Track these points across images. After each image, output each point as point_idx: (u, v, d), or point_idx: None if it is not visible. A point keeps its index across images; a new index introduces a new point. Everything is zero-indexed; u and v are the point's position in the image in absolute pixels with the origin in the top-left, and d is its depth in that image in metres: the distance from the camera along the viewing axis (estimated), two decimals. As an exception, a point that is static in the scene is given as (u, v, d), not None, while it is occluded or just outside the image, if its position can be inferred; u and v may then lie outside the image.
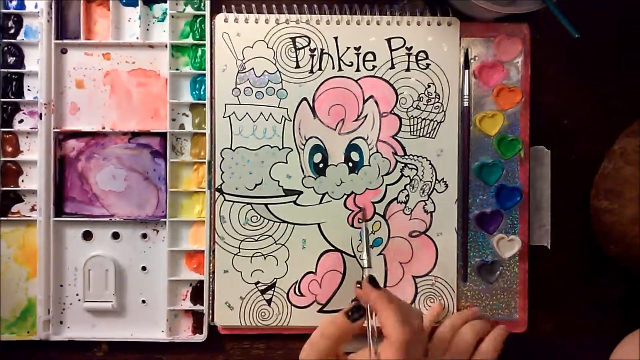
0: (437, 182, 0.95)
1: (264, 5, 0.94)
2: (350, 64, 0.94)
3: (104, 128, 0.96)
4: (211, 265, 0.95)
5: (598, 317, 0.91)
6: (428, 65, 0.94)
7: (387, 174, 0.95)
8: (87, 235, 0.97)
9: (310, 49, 0.94)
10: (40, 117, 0.94)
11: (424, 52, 0.94)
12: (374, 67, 0.94)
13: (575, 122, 0.99)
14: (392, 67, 0.94)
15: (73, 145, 0.96)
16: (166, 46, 0.95)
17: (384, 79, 0.94)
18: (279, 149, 0.94)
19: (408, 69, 0.94)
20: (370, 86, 0.94)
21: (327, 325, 0.76)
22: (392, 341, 0.72)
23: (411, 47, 0.94)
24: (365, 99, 0.94)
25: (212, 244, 0.95)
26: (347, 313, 0.76)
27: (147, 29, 0.97)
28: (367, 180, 0.95)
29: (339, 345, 0.76)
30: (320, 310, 0.95)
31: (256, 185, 0.94)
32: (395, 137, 0.94)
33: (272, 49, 0.94)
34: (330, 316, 0.77)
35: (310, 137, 0.94)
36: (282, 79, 0.94)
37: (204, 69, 0.95)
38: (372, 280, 0.79)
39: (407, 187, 0.95)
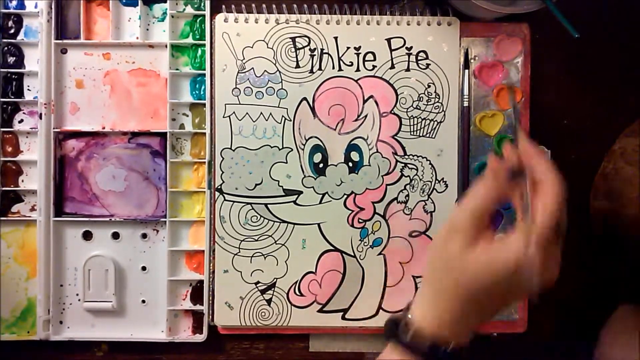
0: (437, 182, 0.95)
1: (264, 5, 0.94)
2: (350, 64, 0.94)
3: (104, 128, 0.96)
4: (211, 265, 0.95)
5: (598, 317, 0.91)
6: (428, 65, 0.94)
7: (387, 174, 0.95)
8: (87, 235, 0.97)
9: (310, 49, 0.94)
10: (40, 117, 0.94)
11: (424, 52, 0.94)
12: (374, 67, 0.94)
13: (575, 122, 0.99)
14: (392, 67, 0.94)
15: (73, 145, 0.96)
16: (166, 46, 0.95)
17: (384, 79, 0.94)
18: (279, 149, 0.94)
19: (408, 69, 0.94)
20: (370, 86, 0.94)
21: (487, 177, 0.69)
22: (551, 186, 0.66)
23: (411, 47, 0.94)
24: (365, 99, 0.94)
25: (212, 244, 0.95)
26: (509, 169, 0.69)
27: (147, 29, 0.97)
28: (367, 180, 0.95)
29: (492, 205, 0.69)
30: (320, 311, 0.95)
31: (256, 185, 0.94)
32: (395, 137, 0.94)
33: (272, 49, 0.94)
34: (489, 173, 0.70)
35: (310, 137, 0.94)
36: (282, 79, 0.94)
37: (204, 69, 0.95)
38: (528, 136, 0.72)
39: (407, 187, 0.95)
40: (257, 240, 0.95)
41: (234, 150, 0.94)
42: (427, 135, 0.94)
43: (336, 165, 0.94)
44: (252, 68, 0.94)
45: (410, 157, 0.94)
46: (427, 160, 0.94)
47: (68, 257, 0.97)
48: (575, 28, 0.88)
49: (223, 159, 0.94)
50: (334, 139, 0.94)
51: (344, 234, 0.95)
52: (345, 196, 0.95)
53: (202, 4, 0.96)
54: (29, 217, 0.96)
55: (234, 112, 0.94)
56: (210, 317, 0.95)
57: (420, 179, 0.95)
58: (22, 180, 0.96)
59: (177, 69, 0.96)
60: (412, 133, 0.94)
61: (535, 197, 0.66)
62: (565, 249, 0.82)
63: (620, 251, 0.94)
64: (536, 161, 0.68)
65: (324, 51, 0.94)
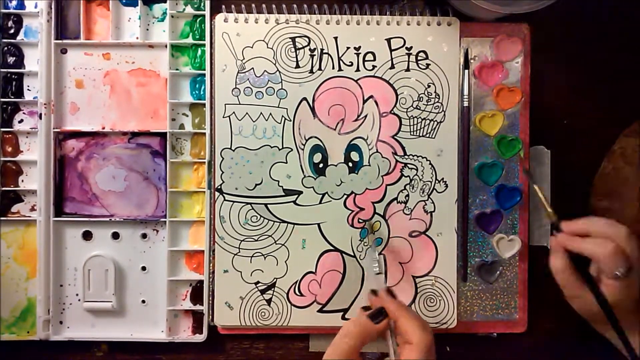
0: (437, 182, 0.95)
1: (263, 5, 0.94)
2: (350, 64, 0.94)
3: (103, 128, 0.96)
4: (211, 265, 0.95)
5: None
6: (428, 65, 0.94)
7: (387, 174, 0.95)
8: (87, 235, 0.97)
9: (310, 49, 0.94)
10: (40, 117, 0.94)
11: (424, 52, 0.94)
12: (374, 67, 0.94)
13: (575, 122, 0.99)
14: (392, 67, 0.94)
15: (73, 145, 0.96)
16: (166, 46, 0.96)
17: (383, 79, 0.94)
18: (279, 149, 0.94)
19: (408, 69, 0.94)
20: (370, 86, 0.94)
21: (351, 326, 0.78)
22: (416, 343, 0.74)
23: (411, 47, 0.94)
24: (365, 99, 0.94)
25: (212, 244, 0.95)
26: (371, 315, 0.78)
27: (147, 29, 0.97)
28: (367, 180, 0.95)
29: (361, 347, 0.77)
30: (320, 310, 0.95)
31: (256, 185, 0.94)
32: (395, 137, 0.94)
33: (272, 49, 0.94)
34: (353, 318, 0.80)
35: (310, 137, 0.94)
36: (282, 79, 0.94)
37: (204, 69, 0.95)
38: (389, 290, 0.82)
39: (407, 187, 0.95)
40: (257, 240, 0.95)
41: (233, 150, 0.94)
42: (427, 135, 0.94)
43: (336, 165, 0.94)
44: (252, 68, 0.94)
45: (410, 157, 0.94)
46: (427, 160, 0.94)
47: (68, 257, 0.97)
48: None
49: (223, 159, 0.94)
50: (334, 139, 0.94)
51: (343, 234, 0.95)
52: (345, 196, 0.95)
53: (202, 4, 0.96)
54: (29, 217, 0.96)
55: (233, 112, 0.94)
56: (210, 317, 0.95)
57: (420, 179, 0.95)
58: (22, 180, 0.96)
59: (177, 69, 0.96)
60: (412, 133, 0.94)
61: (406, 349, 0.76)
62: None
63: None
64: (403, 319, 0.77)
65: (324, 51, 0.94)
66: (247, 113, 0.94)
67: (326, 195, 0.95)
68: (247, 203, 0.94)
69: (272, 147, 0.94)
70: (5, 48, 0.96)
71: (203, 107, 0.95)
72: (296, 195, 0.94)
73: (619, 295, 0.76)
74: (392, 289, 0.82)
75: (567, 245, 0.79)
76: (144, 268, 0.97)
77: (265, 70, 0.94)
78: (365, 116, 0.94)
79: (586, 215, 0.94)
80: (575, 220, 0.80)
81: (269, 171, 0.94)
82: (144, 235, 0.97)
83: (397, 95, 0.94)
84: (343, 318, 0.95)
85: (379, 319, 0.78)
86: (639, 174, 0.93)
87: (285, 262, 0.95)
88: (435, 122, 0.94)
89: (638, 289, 0.77)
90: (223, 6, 0.95)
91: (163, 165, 0.96)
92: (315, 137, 0.94)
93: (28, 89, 0.96)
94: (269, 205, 0.94)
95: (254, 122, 0.94)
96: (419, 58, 0.94)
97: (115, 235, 0.97)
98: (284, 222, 0.95)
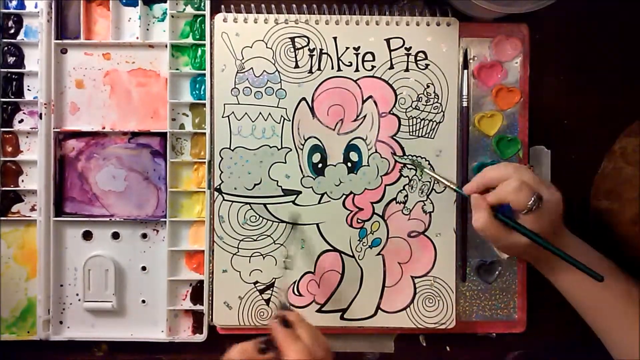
0: (436, 182, 0.94)
1: (263, 5, 0.94)
2: (349, 64, 0.94)
3: (104, 128, 0.96)
4: (211, 265, 0.95)
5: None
6: (427, 65, 0.94)
7: (386, 174, 0.95)
8: (87, 235, 0.97)
9: (309, 49, 0.94)
10: (40, 117, 0.94)
11: (423, 52, 0.94)
12: (373, 67, 0.94)
13: (575, 122, 0.99)
14: (391, 67, 0.94)
15: (73, 145, 0.96)
16: (166, 46, 0.96)
17: (383, 79, 0.94)
18: (278, 149, 0.94)
19: (407, 69, 0.95)
20: (369, 86, 0.94)
21: (237, 353, 0.78)
22: None
23: (410, 48, 0.94)
24: (364, 99, 0.94)
25: (212, 244, 0.95)
26: (257, 345, 0.78)
27: (147, 29, 0.97)
28: (366, 181, 0.95)
29: None
30: (318, 310, 0.95)
31: (255, 185, 0.94)
32: (394, 137, 0.94)
33: (271, 49, 0.94)
34: (243, 344, 0.79)
35: (309, 137, 0.94)
36: (281, 79, 0.94)
37: (204, 69, 0.95)
38: (283, 320, 0.80)
39: (406, 187, 0.95)
40: (256, 240, 0.95)
41: (233, 150, 0.94)
42: (426, 136, 0.94)
43: (335, 166, 0.94)
44: (251, 68, 0.94)
45: (410, 157, 0.94)
46: (426, 160, 0.94)
47: (68, 257, 0.97)
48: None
49: (222, 158, 0.94)
50: (333, 139, 0.94)
51: (342, 234, 0.95)
52: (344, 196, 0.95)
53: (202, 4, 0.96)
54: (29, 217, 0.96)
55: (232, 112, 0.94)
56: (210, 317, 0.96)
57: (419, 179, 0.95)
58: (22, 180, 0.97)
59: (177, 69, 0.96)
60: (411, 133, 0.94)
61: None
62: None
63: (620, 251, 0.93)
64: (283, 344, 0.76)
65: (323, 51, 0.94)
66: (246, 113, 0.94)
67: (325, 195, 0.95)
68: (246, 203, 0.94)
69: (271, 147, 0.94)
70: (5, 48, 0.96)
71: (203, 107, 0.95)
72: (295, 195, 0.95)
73: (539, 225, 0.80)
74: (288, 318, 0.81)
75: (481, 204, 0.83)
76: (144, 268, 0.97)
77: (264, 70, 0.94)
78: (365, 116, 0.94)
79: (587, 216, 0.95)
80: (471, 180, 0.86)
81: (268, 171, 0.94)
82: (144, 235, 0.97)
83: (396, 95, 0.94)
84: (342, 318, 0.95)
85: (264, 348, 0.78)
86: (639, 174, 0.92)
87: (284, 262, 0.95)
88: (435, 122, 0.94)
89: (555, 215, 0.81)
90: (223, 6, 0.95)
91: (163, 165, 0.96)
92: (315, 137, 0.94)
93: (28, 89, 0.96)
94: (267, 205, 0.94)
95: (253, 122, 0.94)
96: (418, 58, 0.94)
97: (116, 235, 0.97)
98: (282, 222, 0.95)
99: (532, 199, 0.78)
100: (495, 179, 0.82)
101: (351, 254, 0.95)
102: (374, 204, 0.95)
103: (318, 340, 0.78)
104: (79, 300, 0.97)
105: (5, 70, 0.96)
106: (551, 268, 0.86)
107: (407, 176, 0.95)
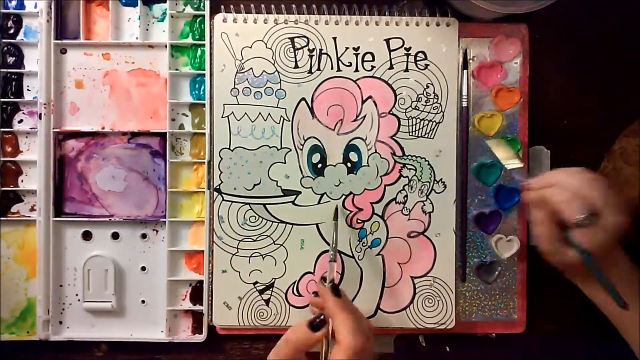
0: (435, 182, 0.95)
1: (262, 6, 0.94)
2: (349, 64, 0.94)
3: (103, 128, 0.96)
4: (210, 265, 0.95)
5: (597, 317, 0.91)
6: (427, 65, 0.94)
7: (386, 174, 0.95)
8: (87, 235, 0.97)
9: (309, 49, 0.94)
10: (40, 117, 0.94)
11: (423, 52, 0.94)
12: (373, 67, 0.94)
13: (575, 122, 0.99)
14: (391, 67, 0.94)
15: (73, 145, 0.96)
16: (166, 46, 0.96)
17: (382, 79, 0.94)
18: (278, 149, 0.94)
19: (407, 70, 0.94)
20: (368, 86, 0.94)
21: (291, 333, 0.79)
22: (344, 347, 0.74)
23: (410, 48, 0.94)
24: (364, 99, 0.94)
25: (211, 244, 0.95)
26: (309, 323, 0.79)
27: (147, 29, 0.97)
28: (366, 181, 0.95)
29: (301, 353, 0.79)
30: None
31: (254, 185, 0.94)
32: (394, 137, 0.94)
33: (270, 49, 0.94)
34: (295, 325, 0.80)
35: (309, 138, 0.94)
36: (280, 79, 0.94)
37: (204, 69, 0.95)
38: (333, 287, 0.82)
39: (406, 187, 0.95)
40: (255, 241, 0.95)
41: (232, 151, 0.94)
42: (426, 136, 0.94)
43: (335, 166, 0.94)
44: (251, 68, 0.94)
45: (409, 157, 0.94)
46: (425, 160, 0.94)
47: (68, 257, 0.97)
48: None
49: (221, 159, 0.94)
50: (333, 139, 0.94)
51: (342, 234, 0.95)
52: (344, 196, 0.95)
53: (202, 4, 0.96)
54: (29, 217, 0.96)
55: (232, 112, 0.94)
56: (210, 317, 0.96)
57: (419, 180, 0.95)
58: (22, 180, 0.97)
59: (176, 69, 0.96)
60: (410, 133, 0.94)
61: (334, 349, 0.76)
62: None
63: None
64: (337, 320, 0.77)
65: (323, 51, 0.94)
66: (245, 113, 0.94)
67: (325, 195, 0.95)
68: (246, 203, 0.94)
69: (270, 147, 0.94)
70: (5, 48, 0.96)
71: (203, 107, 0.95)
72: (295, 196, 0.95)
73: (588, 243, 0.76)
74: (337, 286, 0.83)
75: (530, 195, 0.80)
76: (143, 268, 0.97)
77: (264, 71, 0.94)
78: (364, 116, 0.94)
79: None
80: (543, 174, 0.82)
81: (267, 171, 0.94)
82: (144, 235, 0.97)
83: (395, 95, 0.94)
84: (341, 318, 0.95)
85: (317, 326, 0.78)
86: (639, 174, 0.92)
87: (284, 262, 0.95)
88: (434, 123, 0.94)
89: (609, 236, 0.76)
90: (222, 6, 0.95)
91: (163, 165, 0.96)
92: (314, 138, 0.94)
93: (28, 89, 0.96)
94: (267, 206, 0.94)
95: (252, 122, 0.94)
96: (417, 58, 0.94)
97: (115, 235, 0.97)
98: (282, 222, 0.95)
99: (584, 214, 0.75)
100: (559, 183, 0.79)
101: (351, 254, 0.95)
102: (373, 204, 0.95)
103: (363, 318, 0.81)
104: (79, 300, 0.97)
105: (5, 70, 0.96)
106: (595, 291, 0.85)
107: (407, 176, 0.95)
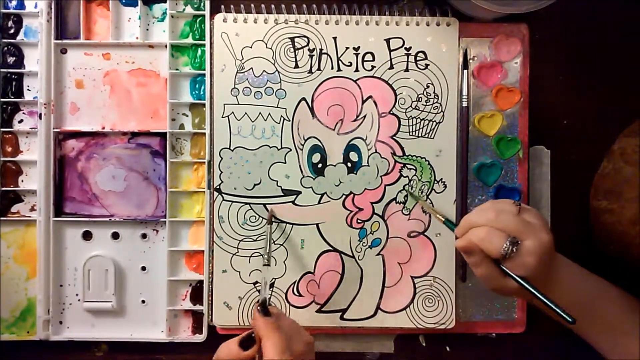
0: (435, 182, 0.95)
1: (263, 5, 0.94)
2: (349, 64, 0.94)
3: (103, 128, 0.96)
4: (211, 265, 0.95)
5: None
6: (427, 65, 0.94)
7: (386, 174, 0.95)
8: (87, 235, 0.97)
9: (309, 49, 0.94)
10: (40, 117, 0.94)
11: (423, 52, 0.94)
12: (373, 67, 0.94)
13: (575, 122, 0.99)
14: (391, 67, 0.94)
15: (73, 145, 0.96)
16: (166, 46, 0.96)
17: (382, 79, 0.94)
18: (278, 149, 0.94)
19: (407, 69, 0.95)
20: (369, 86, 0.94)
21: (223, 349, 0.79)
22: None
23: (410, 48, 0.94)
24: (364, 99, 0.94)
25: (211, 244, 0.95)
26: (240, 341, 0.79)
27: (147, 29, 0.97)
28: (366, 181, 0.95)
29: None
30: (318, 311, 0.95)
31: (255, 185, 0.94)
32: (394, 137, 0.94)
33: (271, 49, 0.94)
34: (226, 342, 0.79)
35: (309, 137, 0.94)
36: (281, 79, 0.94)
37: (204, 69, 0.95)
38: (262, 305, 0.80)
39: (406, 187, 0.95)
40: (255, 241, 0.95)
41: (232, 150, 0.94)
42: (426, 136, 0.94)
43: (335, 166, 0.94)
44: (251, 68, 0.94)
45: (409, 157, 0.94)
46: (426, 160, 0.94)
47: (68, 257, 0.97)
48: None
49: (222, 159, 0.94)
50: (333, 139, 0.94)
51: (342, 234, 0.95)
52: (344, 196, 0.95)
53: (202, 4, 0.96)
54: (29, 217, 0.96)
55: (232, 112, 0.94)
56: (210, 317, 0.96)
57: (419, 180, 0.95)
58: (22, 180, 0.97)
59: (177, 69, 0.96)
60: (410, 133, 0.94)
61: None
62: (564, 248, 0.82)
63: (620, 251, 0.93)
64: (264, 340, 0.76)
65: (323, 51, 0.94)
66: (246, 113, 0.94)
67: (325, 195, 0.95)
68: (246, 203, 0.94)
69: (270, 147, 0.94)
70: (5, 48, 0.96)
71: (203, 107, 0.95)
72: (295, 196, 0.95)
73: (520, 270, 0.75)
74: (265, 302, 0.81)
75: (458, 244, 0.79)
76: (143, 268, 0.97)
77: (264, 70, 0.94)
78: (364, 116, 0.94)
79: (586, 216, 0.95)
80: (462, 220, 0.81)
81: (267, 171, 0.94)
82: (144, 235, 0.97)
83: (396, 95, 0.94)
84: (341, 318, 0.95)
85: (246, 345, 0.78)
86: (639, 174, 0.92)
87: (284, 262, 0.95)
88: (434, 123, 0.94)
89: (535, 257, 0.75)
90: (222, 6, 0.95)
91: (163, 165, 0.96)
92: (314, 137, 0.94)
93: (28, 89, 0.96)
94: (267, 206, 0.94)
95: (252, 122, 0.94)
96: (418, 58, 0.94)
97: (115, 235, 0.97)
98: (282, 222, 0.95)
99: (505, 245, 0.74)
100: (474, 224, 0.78)
101: (351, 254, 0.95)
102: (373, 204, 0.95)
103: (299, 333, 0.79)
104: (79, 300, 0.97)
105: (5, 70, 0.96)
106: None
107: (407, 176, 0.95)
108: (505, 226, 0.76)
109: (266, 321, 0.77)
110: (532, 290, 0.75)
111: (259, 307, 0.80)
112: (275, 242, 0.95)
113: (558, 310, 0.74)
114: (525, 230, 0.76)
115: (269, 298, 0.87)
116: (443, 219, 0.87)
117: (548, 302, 0.74)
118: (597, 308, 0.82)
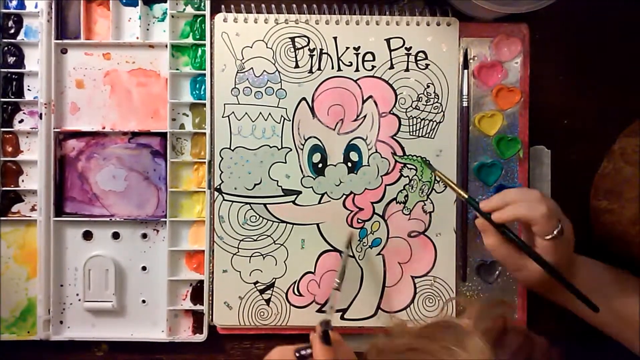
0: (436, 182, 0.95)
1: (263, 5, 0.94)
2: (349, 64, 0.94)
3: (104, 128, 0.96)
4: (211, 265, 0.95)
5: (597, 317, 0.91)
6: (427, 65, 0.95)
7: (386, 174, 0.95)
8: (87, 235, 0.97)
9: (309, 49, 0.94)
10: (40, 117, 0.94)
11: (423, 52, 0.94)
12: (373, 67, 0.94)
13: (575, 122, 0.99)
14: (392, 67, 0.95)
15: (73, 145, 0.96)
16: (166, 46, 0.96)
17: (383, 79, 0.94)
18: (278, 149, 0.94)
19: (407, 69, 0.95)
20: (369, 86, 0.95)
21: (277, 352, 0.80)
22: None
23: (410, 47, 0.94)
24: (365, 99, 0.94)
25: (212, 244, 0.95)
26: (297, 350, 0.79)
27: (147, 29, 0.97)
28: (366, 181, 0.95)
29: None
30: (319, 310, 0.95)
31: (255, 185, 0.94)
32: (395, 137, 0.94)
33: (271, 48, 0.94)
34: (282, 347, 0.80)
35: (310, 137, 0.94)
36: (281, 79, 0.94)
37: (204, 69, 0.95)
38: (324, 334, 0.80)
39: (406, 187, 0.95)
40: (256, 240, 0.95)
41: (233, 150, 0.94)
42: (426, 136, 0.95)
43: (335, 166, 0.94)
44: (252, 68, 0.94)
45: (410, 157, 0.94)
46: (426, 160, 0.94)
47: (68, 257, 0.97)
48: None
49: (222, 159, 0.94)
50: (333, 139, 0.94)
51: (343, 234, 0.95)
52: (345, 196, 0.95)
53: (202, 4, 0.96)
54: (29, 217, 0.96)
55: (232, 112, 0.94)
56: (210, 317, 0.96)
57: (420, 179, 0.95)
58: (22, 180, 0.97)
59: (177, 69, 0.96)
60: (411, 133, 0.94)
61: None
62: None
63: (620, 251, 0.94)
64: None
65: (323, 51, 0.94)
66: (246, 113, 0.94)
67: (325, 195, 0.95)
68: (246, 203, 0.94)
69: (271, 147, 0.94)
70: (6, 48, 0.96)
71: (203, 107, 0.95)
72: (295, 195, 0.95)
73: (555, 255, 0.77)
74: (328, 332, 0.81)
75: (500, 217, 0.79)
76: (144, 268, 0.97)
77: (264, 70, 0.94)
78: (365, 116, 0.94)
79: (586, 216, 0.95)
80: (489, 198, 0.82)
81: (268, 171, 0.94)
82: (144, 235, 0.97)
83: (396, 95, 0.94)
84: (342, 318, 0.95)
85: (304, 357, 0.78)
86: (639, 174, 0.92)
87: (284, 262, 0.95)
88: (435, 122, 0.94)
89: (569, 245, 0.80)
90: (223, 6, 0.95)
91: (163, 165, 0.96)
92: (315, 137, 0.94)
93: (28, 89, 0.96)
94: (268, 205, 0.95)
95: (253, 122, 0.94)
96: (418, 58, 0.94)
97: (116, 235, 0.97)
98: (283, 222, 0.95)
99: (559, 227, 0.76)
100: (518, 201, 0.79)
101: (351, 254, 0.95)
102: (374, 204, 0.95)
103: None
104: (79, 300, 0.97)
105: (5, 70, 0.96)
106: (568, 298, 0.85)
107: (407, 176, 0.95)
108: (555, 208, 0.78)
109: (325, 350, 0.78)
110: (558, 278, 0.76)
111: (321, 333, 0.79)
112: (276, 242, 0.95)
113: (583, 298, 0.74)
114: (564, 218, 0.79)
115: (330, 323, 0.86)
116: (467, 196, 0.85)
117: (574, 289, 0.75)
118: (616, 295, 0.83)
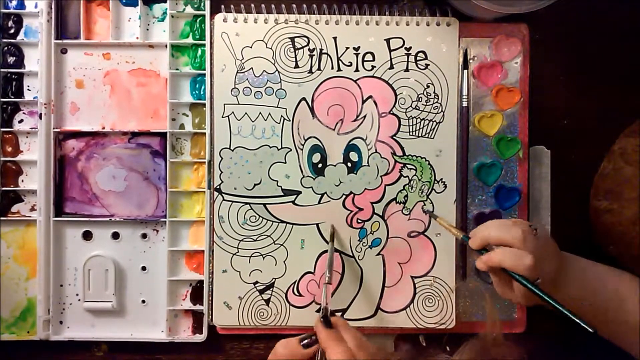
0: (435, 182, 0.95)
1: (263, 5, 0.94)
2: (349, 64, 0.94)
3: (103, 128, 0.96)
4: (211, 265, 0.95)
5: (597, 318, 0.91)
6: (427, 65, 0.94)
7: (386, 174, 0.95)
8: (87, 235, 0.97)
9: (309, 49, 0.94)
10: (40, 117, 0.94)
11: (423, 52, 0.94)
12: (373, 67, 0.94)
13: (575, 122, 0.99)
14: (391, 67, 0.95)
15: (73, 145, 0.96)
16: (166, 46, 0.96)
17: (382, 79, 0.94)
18: (278, 149, 0.94)
19: (407, 69, 0.95)
20: (369, 86, 0.94)
21: (280, 346, 0.79)
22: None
23: (410, 48, 0.94)
24: (364, 99, 0.94)
25: (211, 244, 0.95)
26: (301, 339, 0.78)
27: (147, 29, 0.97)
28: (366, 181, 0.95)
29: None
30: (318, 310, 0.95)
31: (255, 185, 0.94)
32: (394, 137, 0.94)
33: (271, 49, 0.94)
34: (286, 339, 0.79)
35: (309, 137, 0.94)
36: (281, 79, 0.94)
37: (204, 69, 0.95)
38: (325, 318, 0.79)
39: (406, 187, 0.95)
40: (255, 240, 0.95)
41: (232, 150, 0.94)
42: (426, 136, 0.95)
43: (335, 166, 0.94)
44: (251, 68, 0.94)
45: (409, 157, 0.94)
46: (426, 160, 0.94)
47: (68, 257, 0.97)
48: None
49: (222, 159, 0.94)
50: (333, 139, 0.94)
51: (342, 234, 0.95)
52: (344, 196, 0.95)
53: (202, 4, 0.96)
54: (29, 217, 0.96)
55: (232, 112, 0.94)
56: (210, 317, 0.96)
57: (419, 180, 0.95)
58: (22, 180, 0.97)
59: (177, 69, 0.96)
60: (411, 133, 0.94)
61: None
62: (564, 248, 0.82)
63: (620, 251, 0.94)
64: (329, 352, 0.75)
65: (323, 51, 0.94)
66: (246, 113, 0.94)
67: (325, 195, 0.95)
68: (246, 203, 0.94)
69: (271, 147, 0.94)
70: (5, 48, 0.96)
71: (203, 107, 0.95)
72: (295, 196, 0.95)
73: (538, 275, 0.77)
74: (330, 317, 0.80)
75: (487, 264, 0.79)
76: (144, 268, 0.97)
77: (264, 70, 0.94)
78: (365, 116, 0.94)
79: (586, 216, 0.95)
80: (474, 233, 0.82)
81: (267, 171, 0.94)
82: (144, 235, 0.97)
83: (396, 95, 0.94)
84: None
85: (307, 343, 0.77)
86: (639, 174, 0.92)
87: (284, 262, 0.95)
88: (434, 123, 0.94)
89: (551, 258, 0.81)
90: (223, 6, 0.95)
91: (163, 165, 0.96)
92: (314, 137, 0.94)
93: (28, 89, 0.96)
94: (267, 205, 0.95)
95: (253, 122, 0.94)
96: (418, 58, 0.94)
97: (115, 235, 0.97)
98: (282, 222, 0.95)
99: (537, 276, 0.77)
100: (502, 242, 0.79)
101: (351, 254, 0.95)
102: (373, 204, 0.95)
103: (362, 345, 0.78)
104: (79, 300, 0.97)
105: (5, 70, 0.96)
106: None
107: (407, 176, 0.95)
108: (534, 249, 0.78)
109: (329, 333, 0.77)
110: (554, 303, 0.76)
111: (321, 319, 0.79)
112: (276, 242, 0.95)
113: (578, 321, 0.74)
114: (540, 245, 0.79)
115: (328, 309, 0.86)
116: (461, 236, 0.85)
117: (569, 314, 0.75)
118: (610, 297, 0.84)
